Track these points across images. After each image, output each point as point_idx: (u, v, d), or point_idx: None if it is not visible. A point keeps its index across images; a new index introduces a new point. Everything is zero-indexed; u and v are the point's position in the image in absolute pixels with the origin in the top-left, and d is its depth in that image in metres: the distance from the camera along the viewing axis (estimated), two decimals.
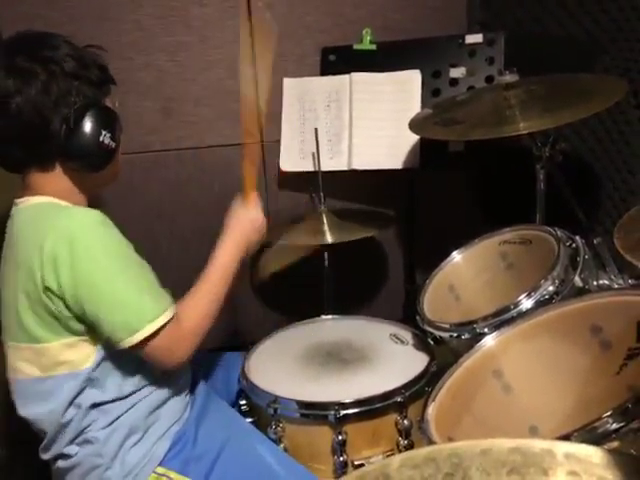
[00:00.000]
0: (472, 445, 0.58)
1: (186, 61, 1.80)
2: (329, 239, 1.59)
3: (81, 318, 1.01)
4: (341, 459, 1.18)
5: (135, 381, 1.09)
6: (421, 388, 1.23)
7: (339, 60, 1.83)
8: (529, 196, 1.48)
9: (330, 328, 1.54)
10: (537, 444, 0.57)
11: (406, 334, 1.44)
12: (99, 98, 1.07)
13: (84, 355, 1.05)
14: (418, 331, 1.37)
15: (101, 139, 1.04)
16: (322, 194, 1.68)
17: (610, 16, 1.49)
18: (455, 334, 1.18)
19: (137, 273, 1.05)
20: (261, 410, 1.26)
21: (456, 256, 1.41)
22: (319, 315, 1.59)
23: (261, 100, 1.20)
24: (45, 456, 1.12)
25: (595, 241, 1.16)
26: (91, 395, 1.06)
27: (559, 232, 1.21)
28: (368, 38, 1.81)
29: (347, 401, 1.19)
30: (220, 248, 1.16)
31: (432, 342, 1.27)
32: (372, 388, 1.22)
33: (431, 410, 0.97)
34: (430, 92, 1.76)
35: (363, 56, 1.81)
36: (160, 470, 1.10)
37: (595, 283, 1.13)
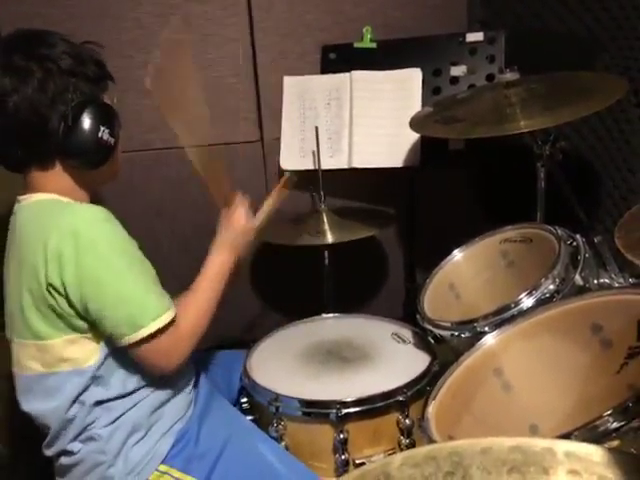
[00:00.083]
0: (472, 444, 0.58)
1: None
2: (329, 238, 1.59)
3: (83, 315, 1.01)
4: (342, 457, 1.18)
5: (139, 379, 1.09)
6: (423, 387, 1.23)
7: (339, 58, 1.82)
8: (530, 194, 1.48)
9: (331, 327, 1.54)
10: (537, 443, 0.57)
11: (407, 333, 1.44)
12: (97, 94, 1.07)
13: (87, 352, 1.05)
14: (418, 330, 1.37)
15: (100, 135, 1.04)
16: (322, 193, 1.68)
17: (611, 14, 1.49)
18: (455, 333, 1.18)
19: (141, 270, 1.05)
20: (262, 408, 1.27)
21: (457, 254, 1.41)
22: (319, 314, 1.59)
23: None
24: (48, 452, 1.12)
25: (596, 240, 1.16)
26: (95, 392, 1.06)
27: (560, 230, 1.21)
28: (368, 36, 1.81)
29: (349, 400, 1.19)
30: (210, 254, 1.17)
31: (432, 341, 1.27)
32: (374, 387, 1.22)
33: (431, 409, 0.97)
34: (430, 90, 1.76)
35: (363, 54, 1.81)
36: (163, 468, 1.11)
37: (596, 282, 1.13)
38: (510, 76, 1.41)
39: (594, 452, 0.55)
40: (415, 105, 1.74)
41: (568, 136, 1.61)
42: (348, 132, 1.79)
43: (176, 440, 1.13)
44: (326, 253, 1.71)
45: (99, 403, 1.07)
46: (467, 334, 1.16)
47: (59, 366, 1.05)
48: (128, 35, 1.75)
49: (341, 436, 1.18)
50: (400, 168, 1.76)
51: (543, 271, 1.12)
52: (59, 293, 0.99)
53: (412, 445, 1.21)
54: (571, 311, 1.03)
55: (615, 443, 0.70)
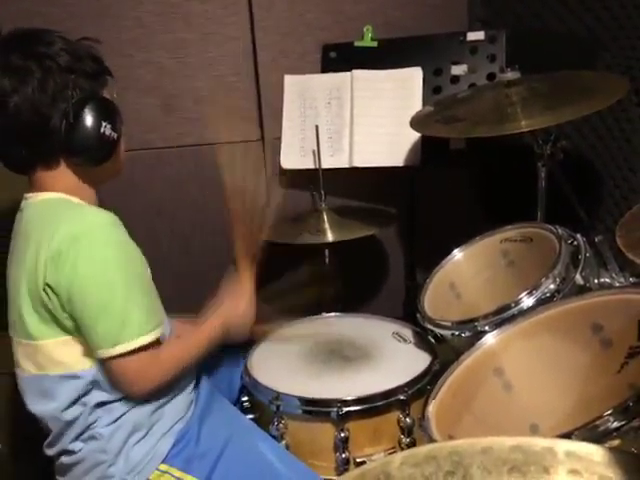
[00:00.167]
0: (473, 443, 0.58)
1: (186, 58, 1.80)
2: (330, 237, 1.59)
3: (74, 317, 1.01)
4: (343, 456, 1.18)
5: None
6: (423, 386, 1.23)
7: (340, 57, 1.82)
8: (530, 194, 1.48)
9: (331, 326, 1.54)
10: (538, 442, 0.57)
11: (407, 332, 1.44)
12: (96, 90, 1.07)
13: (77, 356, 1.04)
14: (419, 329, 1.37)
15: (102, 130, 1.04)
16: (323, 192, 1.69)
17: (612, 13, 1.49)
18: (456, 332, 1.19)
19: (136, 285, 1.03)
20: (263, 407, 1.27)
21: (457, 254, 1.41)
22: (320, 313, 1.59)
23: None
24: (49, 452, 1.12)
25: (596, 239, 1.16)
26: (97, 395, 1.06)
27: (560, 230, 1.21)
28: (369, 35, 1.81)
29: (349, 398, 1.19)
30: (210, 320, 1.18)
31: (433, 340, 1.27)
32: (374, 386, 1.22)
33: (432, 408, 0.97)
34: (431, 89, 1.76)
35: (364, 53, 1.81)
36: (163, 467, 1.11)
37: (596, 281, 1.13)
38: (511, 75, 1.41)
39: (595, 452, 0.55)
40: (416, 104, 1.73)
41: (569, 135, 1.60)
42: (349, 131, 1.79)
43: (177, 440, 1.13)
44: (326, 252, 1.71)
45: (101, 404, 1.07)
46: (467, 333, 1.16)
47: (49, 368, 1.04)
48: (128, 34, 1.75)
49: (342, 435, 1.18)
50: (401, 167, 1.76)
51: (543, 270, 1.12)
52: (54, 293, 0.99)
53: (412, 444, 1.21)
54: (571, 311, 1.03)
55: (616, 443, 0.70)
